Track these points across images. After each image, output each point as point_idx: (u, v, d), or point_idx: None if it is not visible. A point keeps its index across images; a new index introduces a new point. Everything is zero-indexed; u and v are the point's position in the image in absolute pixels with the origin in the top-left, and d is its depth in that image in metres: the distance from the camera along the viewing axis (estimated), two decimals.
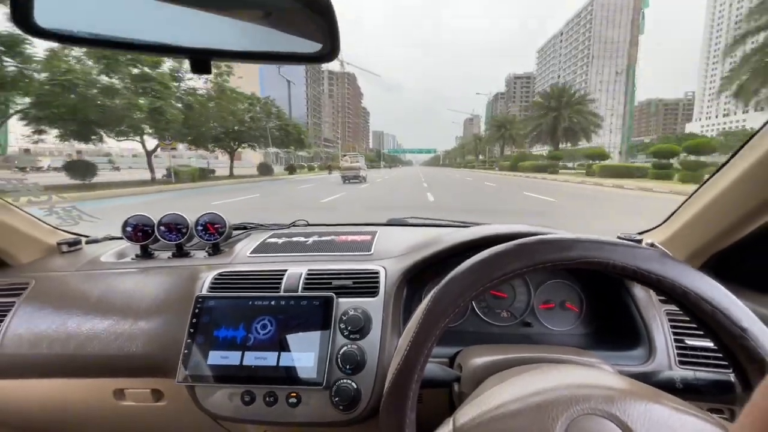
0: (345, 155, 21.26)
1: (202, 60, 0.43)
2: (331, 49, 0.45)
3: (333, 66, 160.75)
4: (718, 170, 0.69)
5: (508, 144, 57.71)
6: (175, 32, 0.42)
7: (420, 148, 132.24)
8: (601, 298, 0.81)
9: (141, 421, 0.82)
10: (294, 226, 1.19)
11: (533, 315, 0.83)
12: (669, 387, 0.56)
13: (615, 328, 0.76)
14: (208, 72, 0.43)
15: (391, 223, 1.21)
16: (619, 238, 0.88)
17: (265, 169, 26.39)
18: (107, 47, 0.42)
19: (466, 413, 0.41)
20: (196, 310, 0.70)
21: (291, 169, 30.45)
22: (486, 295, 0.84)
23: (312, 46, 0.45)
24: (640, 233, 0.95)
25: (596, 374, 0.46)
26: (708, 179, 0.72)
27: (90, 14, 0.40)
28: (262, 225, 1.16)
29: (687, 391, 0.57)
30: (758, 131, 0.61)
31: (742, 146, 0.65)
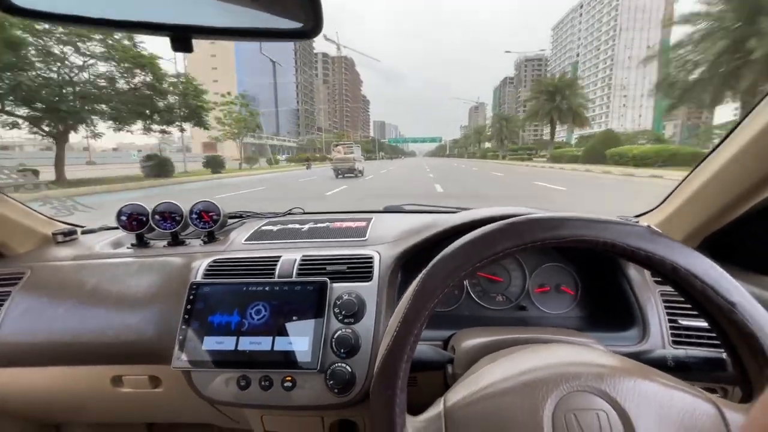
0: (338, 145, 19.43)
1: (183, 38, 0.43)
2: (314, 25, 0.45)
3: (329, 49, 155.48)
4: (712, 151, 0.73)
5: (510, 138, 58.38)
6: (154, 9, 0.43)
7: (423, 136, 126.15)
8: (596, 280, 0.85)
9: (140, 407, 0.87)
10: (290, 214, 1.24)
11: (528, 299, 0.87)
12: (660, 365, 0.59)
13: (610, 310, 0.79)
14: (190, 50, 0.44)
15: (387, 210, 1.26)
16: None
17: (214, 164, 20.36)
18: (85, 24, 0.43)
19: (457, 393, 0.44)
20: (191, 297, 0.74)
21: (215, 165, 20.14)
22: (480, 279, 0.88)
23: (294, 23, 0.46)
24: (637, 216, 0.99)
25: (586, 352, 0.48)
26: (702, 160, 0.76)
27: None
28: (258, 213, 1.21)
29: (678, 369, 0.59)
30: (750, 111, 0.64)
31: (735, 126, 0.68)
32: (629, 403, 0.37)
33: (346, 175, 16.24)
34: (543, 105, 34.92)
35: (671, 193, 0.88)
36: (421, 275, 0.44)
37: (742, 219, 0.72)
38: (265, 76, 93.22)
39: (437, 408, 0.43)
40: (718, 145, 0.72)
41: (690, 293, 0.40)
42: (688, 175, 0.81)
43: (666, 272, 0.40)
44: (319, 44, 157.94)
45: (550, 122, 35.65)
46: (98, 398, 0.85)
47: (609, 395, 0.38)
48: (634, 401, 0.37)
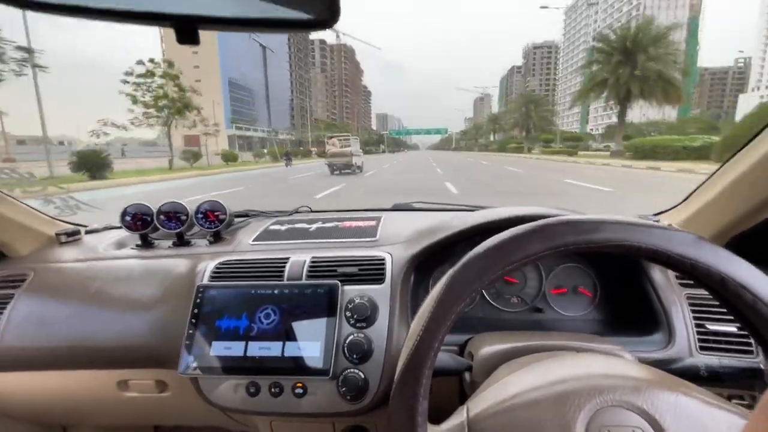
0: (332, 137, 17.61)
1: (189, 29, 0.42)
2: (330, 15, 0.43)
3: (327, 36, 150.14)
4: (741, 149, 0.72)
5: (539, 126, 51.70)
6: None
7: (428, 128, 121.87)
8: (615, 282, 0.84)
9: (146, 412, 0.88)
10: (297, 212, 1.24)
11: (545, 300, 0.86)
12: (693, 375, 0.58)
13: (631, 312, 0.79)
14: (196, 42, 0.42)
15: (396, 208, 1.25)
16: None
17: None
18: (88, 16, 0.42)
19: (480, 402, 0.43)
20: (198, 300, 0.74)
21: (90, 167, 12.73)
22: None
23: (308, 12, 0.44)
24: (657, 214, 0.98)
25: (619, 363, 0.47)
26: (730, 158, 0.75)
27: None
28: (264, 212, 1.21)
29: (712, 379, 0.58)
30: None
31: (766, 126, 0.67)
32: (669, 422, 0.35)
33: (343, 171, 14.75)
34: (615, 70, 24.51)
35: (695, 190, 0.87)
36: (446, 277, 0.42)
37: None
38: (252, 59, 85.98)
39: (459, 417, 0.42)
40: (748, 143, 0.71)
41: (736, 306, 0.38)
42: (714, 173, 0.80)
43: (713, 283, 0.37)
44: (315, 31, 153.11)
45: (616, 99, 25.33)
46: (104, 402, 0.86)
47: (647, 412, 0.36)
48: (674, 420, 0.36)
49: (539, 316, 0.86)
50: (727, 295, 0.37)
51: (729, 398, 0.66)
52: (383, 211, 1.19)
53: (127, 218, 0.99)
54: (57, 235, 1.04)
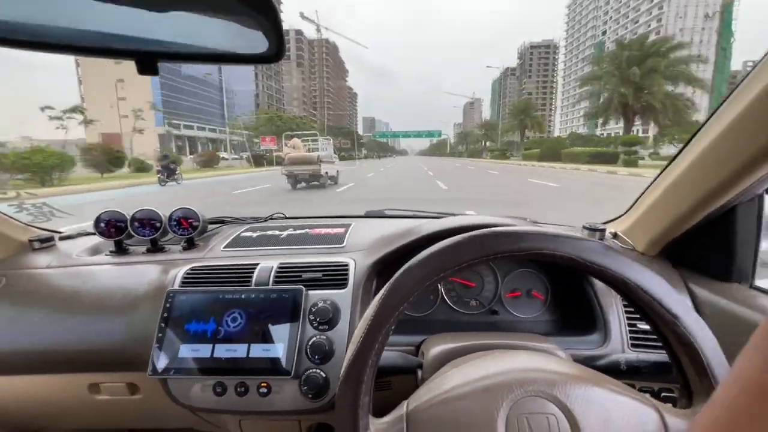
0: (292, 136, 14.68)
1: (149, 62, 0.49)
2: (277, 50, 0.52)
3: (306, 29, 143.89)
4: (672, 160, 0.85)
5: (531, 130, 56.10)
6: (119, 34, 0.47)
7: (419, 130, 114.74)
8: (564, 286, 0.97)
9: (118, 414, 0.95)
10: (271, 219, 1.33)
11: (500, 303, 0.99)
12: (615, 369, 0.69)
13: (577, 314, 0.91)
14: (155, 73, 0.50)
15: (369, 215, 1.36)
16: (584, 227, 1.04)
17: None
18: (52, 50, 0.47)
19: (420, 396, 0.50)
20: (167, 305, 0.83)
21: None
22: (455, 285, 1.00)
23: (257, 48, 0.52)
24: (606, 222, 1.11)
25: (543, 359, 0.56)
26: (664, 168, 0.88)
27: (30, 15, 0.44)
28: (239, 219, 1.30)
29: (631, 373, 0.69)
30: (708, 120, 0.74)
31: (693, 135, 0.79)
32: (578, 408, 0.44)
33: (311, 183, 11.99)
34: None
35: (637, 200, 0.99)
36: (388, 284, 0.49)
37: (699, 227, 0.84)
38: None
39: (400, 410, 0.49)
40: (677, 154, 0.83)
41: (638, 304, 0.48)
42: (651, 183, 0.92)
43: (617, 285, 0.48)
44: (293, 21, 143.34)
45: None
46: (76, 406, 0.92)
47: (560, 400, 0.45)
48: (582, 406, 0.44)
49: (495, 318, 0.97)
50: (630, 295, 0.48)
51: (659, 391, 0.79)
52: (355, 218, 1.31)
53: (101, 225, 1.06)
54: (30, 241, 1.10)
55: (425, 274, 0.48)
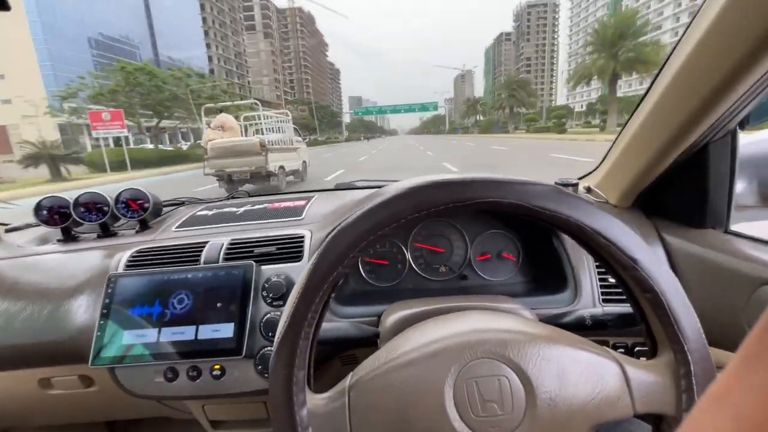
0: (219, 112, 9.03)
1: None
2: None
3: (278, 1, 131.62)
4: (635, 110, 0.87)
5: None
6: None
7: (410, 103, 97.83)
8: (536, 245, 0.98)
9: (78, 409, 0.95)
10: (233, 197, 1.34)
11: (471, 268, 0.99)
12: (580, 325, 0.71)
13: (549, 274, 0.93)
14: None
15: (338, 188, 1.36)
16: (556, 183, 1.05)
17: None
18: None
19: (365, 367, 0.49)
20: (109, 290, 0.83)
21: None
22: (423, 252, 1.01)
23: None
24: (580, 178, 1.13)
25: (497, 319, 0.55)
26: (629, 119, 0.90)
27: None
28: (200, 200, 1.31)
29: (596, 327, 0.71)
30: (667, 58, 0.75)
31: (651, 84, 0.81)
32: (532, 367, 0.44)
33: (258, 185, 8.09)
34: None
35: (606, 154, 1.01)
36: (319, 248, 0.48)
37: (669, 174, 0.85)
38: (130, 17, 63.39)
39: (343, 384, 0.48)
40: (638, 104, 0.85)
41: (596, 251, 0.46)
42: (620, 133, 0.94)
43: (572, 231, 0.45)
44: None
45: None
46: (28, 403, 0.92)
47: (512, 361, 0.44)
48: (536, 365, 0.44)
49: (465, 283, 0.98)
50: (588, 242, 0.46)
51: (633, 346, 0.82)
52: (321, 192, 1.30)
53: (43, 212, 1.04)
54: None
55: (358, 235, 0.45)
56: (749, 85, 0.61)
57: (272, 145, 8.28)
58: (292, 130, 9.94)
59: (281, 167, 8.38)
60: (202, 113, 9.94)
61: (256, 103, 10.14)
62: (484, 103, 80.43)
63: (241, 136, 8.56)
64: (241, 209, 1.12)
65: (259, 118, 9.26)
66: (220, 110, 9.34)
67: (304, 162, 10.34)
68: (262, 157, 7.67)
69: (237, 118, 9.59)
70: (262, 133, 8.96)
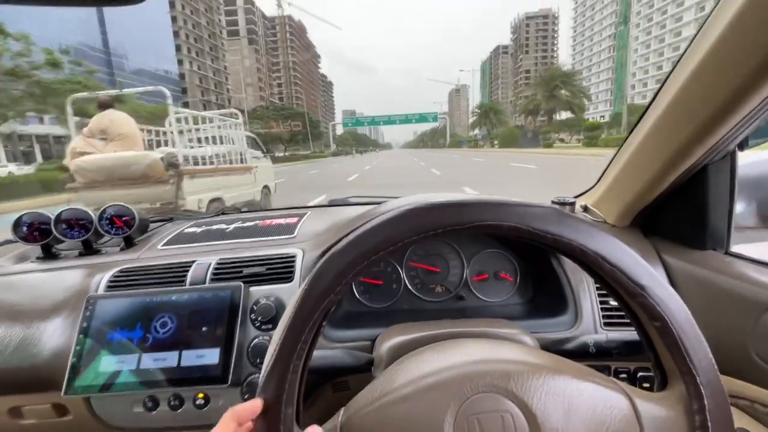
0: (102, 116, 4.72)
1: None
2: None
3: (266, 5, 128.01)
4: (634, 127, 0.88)
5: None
6: None
7: (407, 113, 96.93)
8: (534, 266, 0.98)
9: None
10: (223, 214, 1.33)
11: (467, 288, 0.99)
12: (584, 352, 0.72)
13: (548, 295, 0.93)
14: None
15: (332, 204, 1.36)
16: (552, 202, 1.06)
17: None
18: None
19: (358, 401, 0.47)
20: (87, 313, 0.82)
21: None
22: (419, 271, 1.01)
23: None
24: (576, 196, 1.14)
25: (498, 348, 0.53)
26: (627, 136, 0.91)
27: None
28: (189, 214, 1.31)
29: (600, 355, 0.72)
30: (666, 78, 0.77)
31: (651, 102, 0.82)
32: (537, 402, 0.42)
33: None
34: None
35: (604, 172, 1.02)
36: (311, 273, 0.46)
37: (668, 194, 0.87)
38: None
39: (334, 420, 0.46)
40: (638, 122, 0.86)
41: (601, 276, 0.45)
42: (618, 151, 0.95)
43: (575, 255, 0.44)
44: None
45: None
46: None
47: (515, 395, 0.43)
48: (541, 399, 0.42)
49: (462, 304, 0.98)
50: (591, 266, 0.45)
51: (635, 371, 0.81)
52: (315, 208, 1.30)
53: (23, 229, 1.03)
54: None
55: (351, 260, 0.43)
56: (750, 109, 0.62)
57: (199, 163, 5.22)
58: (243, 139, 6.75)
59: (215, 200, 5.33)
60: (69, 108, 5.31)
61: (235, 114, 6.79)
62: (500, 111, 76.13)
63: (131, 148, 4.84)
64: (231, 226, 1.11)
65: (182, 122, 5.34)
66: (106, 104, 4.96)
67: (266, 188, 7.43)
68: (170, 187, 4.51)
69: (156, 123, 6.30)
70: (199, 144, 5.75)
